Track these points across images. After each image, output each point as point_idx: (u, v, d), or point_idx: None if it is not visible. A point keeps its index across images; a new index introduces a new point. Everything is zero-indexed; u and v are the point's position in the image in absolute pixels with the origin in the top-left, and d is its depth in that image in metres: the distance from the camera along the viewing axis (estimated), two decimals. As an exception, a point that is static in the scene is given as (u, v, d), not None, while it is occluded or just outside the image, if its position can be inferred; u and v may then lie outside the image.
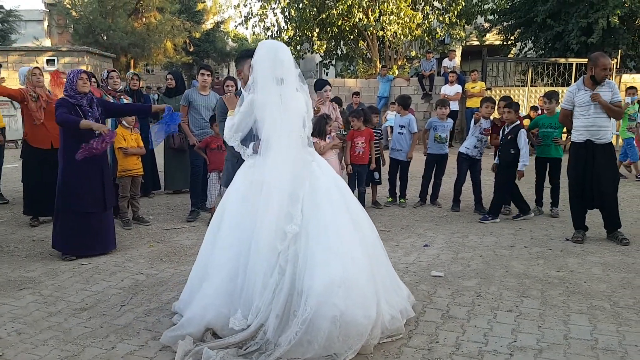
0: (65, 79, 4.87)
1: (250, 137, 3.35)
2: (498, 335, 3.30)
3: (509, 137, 6.15)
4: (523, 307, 3.74)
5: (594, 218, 5.63)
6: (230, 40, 38.74)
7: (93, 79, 5.85)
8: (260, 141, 3.20)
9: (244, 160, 3.41)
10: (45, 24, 32.89)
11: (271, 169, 3.11)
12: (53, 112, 4.81)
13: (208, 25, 32.83)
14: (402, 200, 7.20)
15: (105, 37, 22.25)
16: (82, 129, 4.54)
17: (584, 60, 6.23)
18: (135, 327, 3.45)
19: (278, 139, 3.14)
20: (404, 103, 7.23)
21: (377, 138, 7.00)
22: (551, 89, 12.06)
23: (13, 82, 13.64)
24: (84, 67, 16.10)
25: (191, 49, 27.58)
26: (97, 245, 4.91)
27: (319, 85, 6.75)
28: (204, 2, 32.18)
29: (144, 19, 23.81)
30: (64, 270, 4.57)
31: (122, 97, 6.50)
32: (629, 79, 14.90)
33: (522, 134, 6.09)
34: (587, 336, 3.28)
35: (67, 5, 23.10)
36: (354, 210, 3.31)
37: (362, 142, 6.60)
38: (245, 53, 3.76)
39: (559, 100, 6.73)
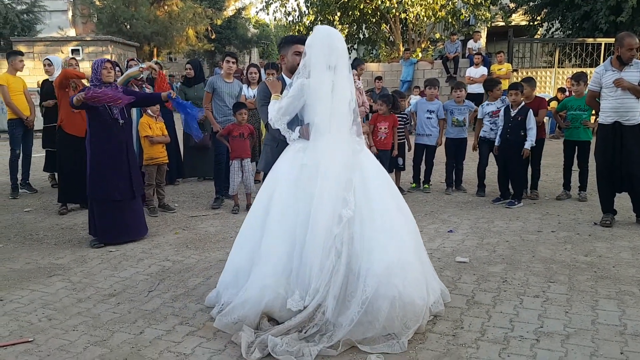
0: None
1: (294, 122, 3.38)
2: (524, 321, 3.27)
3: (519, 119, 6.10)
4: (550, 292, 3.70)
5: (622, 202, 5.51)
6: (251, 26, 38.67)
7: (117, 68, 5.91)
8: (309, 125, 3.23)
9: (284, 145, 3.44)
10: (70, 14, 33.29)
11: (324, 153, 3.16)
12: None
13: (229, 12, 32.80)
14: (426, 186, 7.15)
15: (128, 26, 22.43)
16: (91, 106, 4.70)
17: (613, 40, 6.07)
18: (162, 312, 3.52)
19: (329, 125, 3.19)
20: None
21: (402, 123, 6.95)
22: (579, 70, 11.77)
23: (39, 72, 13.85)
24: (107, 56, 16.26)
25: (213, 37, 27.64)
26: (129, 232, 5.02)
27: (355, 63, 6.79)
28: (226, -12, 32.18)
29: (166, 7, 23.93)
30: (92, 257, 4.67)
31: (144, 85, 6.56)
32: (661, 58, 14.47)
33: (531, 114, 6.07)
34: (616, 322, 3.23)
35: (91, -6, 23.34)
36: (398, 197, 3.41)
37: (385, 128, 6.56)
38: (290, 38, 3.77)
39: (587, 82, 6.58)
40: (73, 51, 16.18)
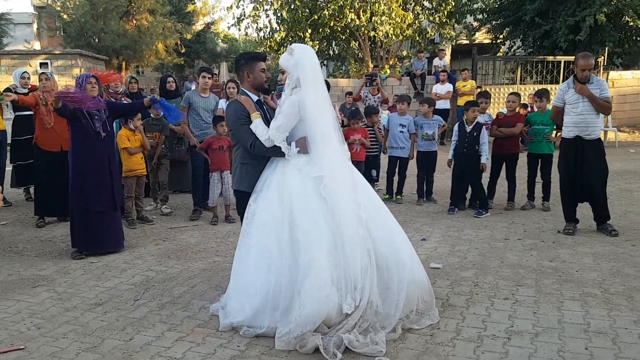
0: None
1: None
2: (496, 321, 3.49)
3: (474, 134, 6.50)
4: (519, 295, 3.94)
5: (584, 211, 5.83)
6: (220, 41, 38.77)
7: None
8: (307, 139, 3.41)
9: (264, 163, 3.57)
10: (35, 26, 32.76)
11: (333, 163, 3.39)
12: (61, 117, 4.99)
13: (198, 26, 32.86)
14: (398, 197, 7.39)
15: (97, 40, 22.26)
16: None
17: (572, 58, 6.49)
18: (150, 319, 3.61)
19: (331, 136, 3.42)
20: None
21: (374, 136, 7.19)
22: (540, 86, 12.28)
23: (5, 85, 13.63)
24: (77, 70, 16.16)
25: (182, 50, 27.60)
26: (109, 243, 5.07)
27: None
28: (194, 3, 32.23)
29: (135, 21, 23.83)
30: (75, 268, 4.71)
31: (122, 99, 6.63)
32: (616, 75, 15.21)
33: (484, 130, 6.51)
34: (580, 320, 3.48)
35: (57, 8, 23.05)
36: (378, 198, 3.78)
37: (360, 139, 6.80)
38: (254, 55, 3.77)
39: (550, 98, 6.97)
40: (41, 64, 15.99)
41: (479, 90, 11.53)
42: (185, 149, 7.17)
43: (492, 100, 14.31)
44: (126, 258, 4.99)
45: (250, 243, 3.45)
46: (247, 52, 3.98)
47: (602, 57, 14.41)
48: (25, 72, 6.99)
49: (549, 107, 6.68)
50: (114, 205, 5.05)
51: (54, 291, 4.16)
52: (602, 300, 3.81)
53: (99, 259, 4.95)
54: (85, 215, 4.93)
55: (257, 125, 3.49)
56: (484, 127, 6.50)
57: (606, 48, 14.78)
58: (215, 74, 10.35)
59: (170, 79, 7.77)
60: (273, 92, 13.09)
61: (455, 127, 6.70)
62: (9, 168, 7.26)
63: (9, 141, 7.30)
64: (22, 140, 6.94)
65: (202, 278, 4.42)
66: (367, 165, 6.99)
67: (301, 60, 3.40)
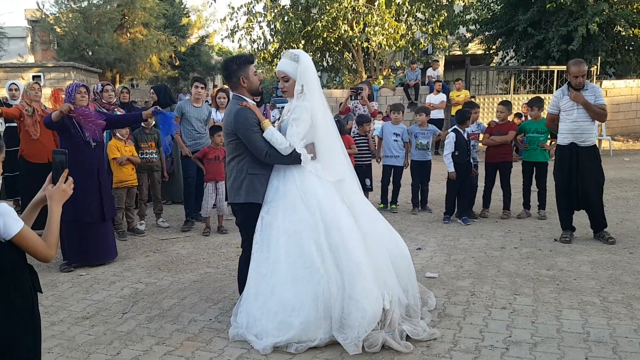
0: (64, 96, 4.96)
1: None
2: (494, 331, 3.41)
3: (470, 140, 6.64)
4: (516, 304, 3.86)
5: (580, 219, 5.78)
6: (214, 54, 38.85)
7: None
8: (315, 144, 3.45)
9: (268, 170, 3.50)
10: (29, 40, 32.76)
11: (344, 166, 3.55)
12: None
13: (193, 39, 32.96)
14: (393, 206, 7.32)
15: (90, 53, 22.23)
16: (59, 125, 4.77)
17: (565, 68, 6.48)
18: (138, 333, 3.51)
19: (336, 142, 3.56)
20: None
21: (366, 146, 7.13)
22: (534, 96, 12.29)
23: (-1, 98, 13.51)
24: (69, 82, 16.07)
25: (177, 63, 27.64)
26: (98, 255, 4.98)
27: None
28: (189, 16, 32.35)
29: (129, 34, 23.84)
30: (62, 281, 4.60)
31: (115, 109, 6.56)
32: (609, 84, 15.27)
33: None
34: (579, 329, 3.40)
35: (51, 22, 23.03)
36: None
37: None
38: (244, 59, 3.62)
39: (543, 107, 6.94)
40: (34, 77, 15.90)
41: (471, 99, 11.55)
42: (171, 160, 7.10)
43: (486, 110, 14.39)
44: (115, 270, 4.88)
45: (278, 256, 3.27)
46: (235, 56, 3.81)
47: (595, 67, 14.47)
48: (13, 83, 6.91)
49: (543, 115, 6.66)
50: (103, 217, 4.95)
51: (41, 304, 3.96)
52: (601, 308, 3.74)
53: (88, 271, 4.84)
54: (75, 227, 4.83)
55: (272, 132, 3.37)
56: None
57: (599, 58, 14.86)
58: (218, 87, 10.25)
59: (152, 90, 7.72)
60: (267, 103, 13.09)
61: (452, 138, 6.48)
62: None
63: None
64: (10, 151, 6.83)
65: (193, 290, 4.32)
66: (360, 174, 6.91)
67: (307, 68, 3.42)
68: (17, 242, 1.95)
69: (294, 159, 3.38)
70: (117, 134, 6.05)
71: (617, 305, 3.78)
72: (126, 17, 23.44)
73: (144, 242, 5.90)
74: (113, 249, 5.15)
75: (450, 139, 6.50)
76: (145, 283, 4.52)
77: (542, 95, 13.53)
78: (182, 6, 32.38)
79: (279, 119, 3.93)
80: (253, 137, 3.39)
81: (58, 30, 22.72)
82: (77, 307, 3.99)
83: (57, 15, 22.64)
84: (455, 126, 6.64)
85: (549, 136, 6.66)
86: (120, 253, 5.38)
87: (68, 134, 4.79)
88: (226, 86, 7.72)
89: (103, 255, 5.03)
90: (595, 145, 5.50)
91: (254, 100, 3.63)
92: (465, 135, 6.52)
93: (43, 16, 22.81)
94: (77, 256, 4.89)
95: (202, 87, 6.52)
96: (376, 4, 14.54)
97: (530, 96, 12.59)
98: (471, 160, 6.63)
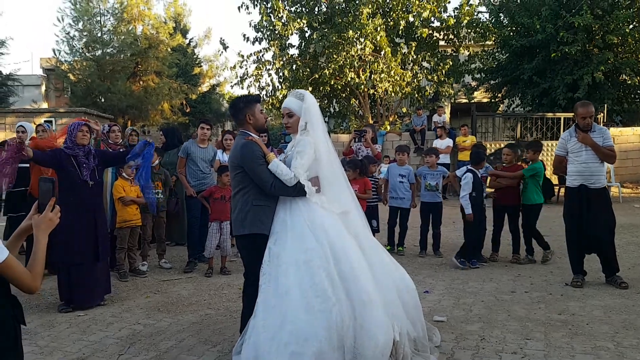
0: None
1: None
2: (504, 376, 3.26)
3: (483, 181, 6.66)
4: (527, 349, 3.71)
5: (591, 263, 5.64)
6: (225, 101, 39.51)
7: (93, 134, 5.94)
8: (320, 178, 3.54)
9: (273, 202, 3.52)
10: (43, 88, 33.50)
11: (348, 198, 3.64)
12: None
13: (204, 87, 33.54)
14: (400, 248, 7.19)
15: (103, 100, 22.60)
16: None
17: (572, 115, 6.47)
18: (133, 375, 3.38)
19: (339, 176, 3.66)
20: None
21: (375, 187, 7.07)
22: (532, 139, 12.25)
23: (11, 142, 13.67)
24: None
25: (188, 110, 28.00)
26: (93, 296, 4.89)
27: None
28: (201, 66, 33.02)
29: (142, 82, 24.30)
30: (60, 321, 4.49)
31: (120, 149, 6.58)
32: (616, 132, 15.25)
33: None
34: (594, 375, 3.24)
35: (65, 69, 23.57)
36: None
37: (355, 191, 6.66)
38: (251, 98, 3.78)
39: (540, 149, 6.88)
40: (45, 122, 16.17)
41: (479, 142, 11.56)
42: (175, 200, 7.07)
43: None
44: (114, 311, 4.77)
45: (288, 287, 3.20)
46: (243, 96, 3.96)
47: (602, 114, 14.49)
48: (21, 125, 6.98)
49: (541, 158, 6.64)
50: (96, 257, 4.87)
51: (36, 345, 3.93)
52: (615, 354, 3.58)
53: (86, 312, 4.73)
54: (68, 268, 4.78)
55: (277, 164, 3.44)
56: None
57: (605, 105, 14.89)
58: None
59: (160, 132, 7.73)
60: (275, 148, 13.15)
61: (469, 178, 6.36)
62: (2, 223, 7.14)
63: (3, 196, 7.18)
64: (15, 192, 6.84)
65: (192, 332, 4.19)
66: (367, 216, 6.82)
67: (311, 106, 3.55)
68: (2, 272, 1.87)
69: (298, 190, 3.42)
70: (123, 174, 6.04)
71: (632, 351, 3.62)
72: (139, 66, 23.95)
73: (144, 283, 5.79)
74: (107, 287, 5.08)
75: (468, 179, 6.39)
76: (144, 324, 4.40)
77: (549, 142, 13.58)
78: (195, 56, 33.11)
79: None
80: (258, 169, 3.45)
81: (72, 77, 23.21)
82: (73, 348, 3.87)
83: (72, 63, 23.16)
84: (471, 166, 6.59)
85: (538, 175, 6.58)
86: (120, 294, 5.28)
87: (65, 173, 4.74)
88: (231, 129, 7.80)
89: (99, 295, 4.94)
90: (605, 187, 5.41)
91: (259, 135, 3.74)
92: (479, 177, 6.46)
93: (58, 64, 23.33)
94: (71, 297, 4.79)
95: (207, 128, 6.58)
96: (382, 53, 14.79)
97: (538, 142, 12.57)
98: (484, 204, 6.54)
